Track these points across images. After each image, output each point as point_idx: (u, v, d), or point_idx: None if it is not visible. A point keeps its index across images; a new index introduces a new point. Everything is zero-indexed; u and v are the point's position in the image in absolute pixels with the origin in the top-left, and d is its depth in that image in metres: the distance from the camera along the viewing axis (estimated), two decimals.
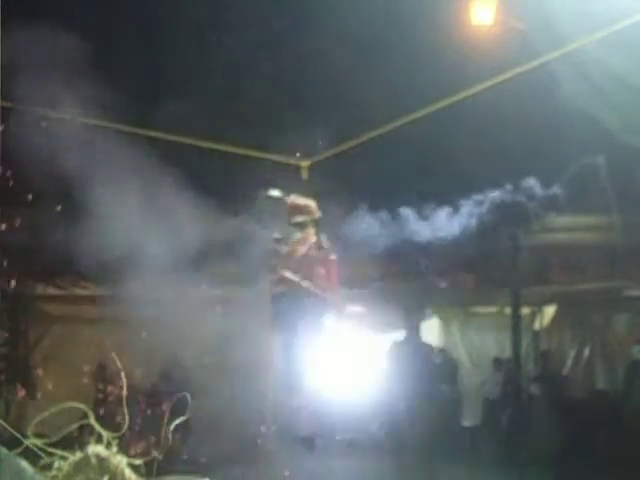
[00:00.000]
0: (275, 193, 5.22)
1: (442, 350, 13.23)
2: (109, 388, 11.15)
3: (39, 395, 11.04)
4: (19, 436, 1.91)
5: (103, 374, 11.36)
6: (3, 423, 2.08)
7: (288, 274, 4.95)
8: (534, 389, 11.81)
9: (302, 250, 5.05)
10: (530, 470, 9.26)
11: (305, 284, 4.97)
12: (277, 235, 5.20)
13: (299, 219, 5.10)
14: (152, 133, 6.17)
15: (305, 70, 10.22)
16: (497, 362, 12.55)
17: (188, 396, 2.12)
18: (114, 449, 1.92)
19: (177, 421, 2.04)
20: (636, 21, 4.56)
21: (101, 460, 1.87)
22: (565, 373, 12.56)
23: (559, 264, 12.29)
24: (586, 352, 12.93)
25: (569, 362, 12.90)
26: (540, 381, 11.81)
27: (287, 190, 5.71)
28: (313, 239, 5.14)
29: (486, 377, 12.70)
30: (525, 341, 12.07)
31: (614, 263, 11.50)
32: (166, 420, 2.01)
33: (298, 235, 5.10)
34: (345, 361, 14.05)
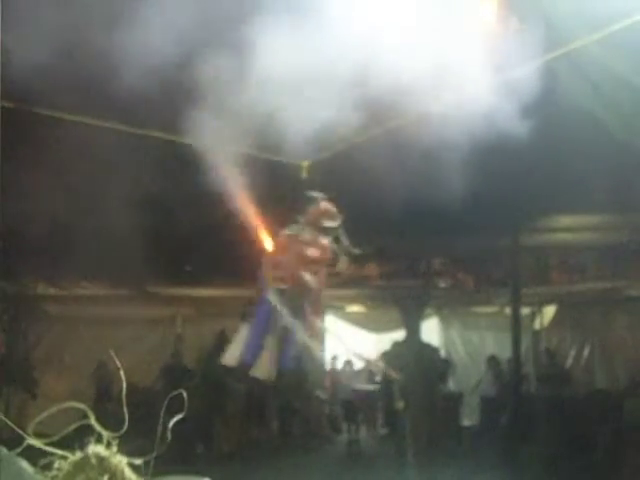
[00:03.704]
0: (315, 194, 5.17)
1: (439, 350, 13.25)
2: (108, 387, 11.16)
3: (39, 395, 11.05)
4: (20, 432, 1.90)
5: (103, 373, 11.36)
6: (5, 419, 2.08)
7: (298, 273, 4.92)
8: (538, 388, 11.83)
9: (313, 252, 5.01)
10: (529, 470, 9.27)
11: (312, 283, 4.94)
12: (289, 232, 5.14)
13: (329, 224, 5.06)
14: (156, 133, 6.15)
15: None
16: (492, 360, 12.53)
17: (185, 394, 2.11)
18: (114, 449, 1.92)
19: (174, 419, 2.03)
20: (636, 21, 4.56)
21: (101, 460, 1.87)
22: (565, 372, 12.56)
23: (559, 264, 12.28)
24: (586, 352, 12.94)
25: (569, 362, 12.92)
26: (544, 380, 11.81)
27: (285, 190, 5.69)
28: (328, 244, 5.09)
29: (482, 376, 12.72)
30: (525, 341, 12.08)
31: (614, 263, 11.50)
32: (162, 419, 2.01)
33: (309, 236, 5.05)
34: (343, 361, 14.07)
